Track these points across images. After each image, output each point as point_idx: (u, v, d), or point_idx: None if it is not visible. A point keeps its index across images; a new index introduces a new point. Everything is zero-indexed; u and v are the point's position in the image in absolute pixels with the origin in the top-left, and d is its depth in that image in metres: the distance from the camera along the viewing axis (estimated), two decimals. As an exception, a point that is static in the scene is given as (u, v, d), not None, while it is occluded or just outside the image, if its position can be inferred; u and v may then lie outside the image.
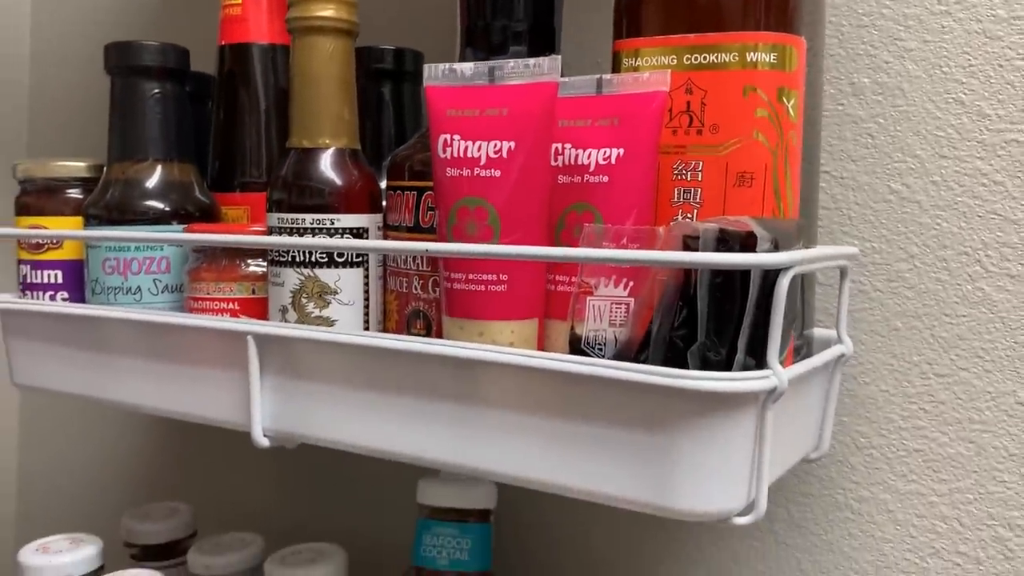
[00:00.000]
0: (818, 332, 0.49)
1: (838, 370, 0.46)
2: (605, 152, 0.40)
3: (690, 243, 0.36)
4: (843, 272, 0.45)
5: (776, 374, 0.36)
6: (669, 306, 0.37)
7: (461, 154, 0.40)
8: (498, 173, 0.39)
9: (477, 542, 0.57)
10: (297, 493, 0.77)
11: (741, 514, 0.37)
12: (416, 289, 0.46)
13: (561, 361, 0.37)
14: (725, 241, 0.35)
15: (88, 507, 0.91)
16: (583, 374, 0.37)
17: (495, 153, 0.39)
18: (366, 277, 0.47)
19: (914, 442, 0.50)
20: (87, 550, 0.60)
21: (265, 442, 0.47)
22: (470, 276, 0.40)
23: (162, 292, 0.54)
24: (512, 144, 0.39)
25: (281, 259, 0.46)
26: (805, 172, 0.44)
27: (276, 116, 0.57)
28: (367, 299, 0.47)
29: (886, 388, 0.51)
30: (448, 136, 0.40)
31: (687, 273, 0.37)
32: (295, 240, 0.44)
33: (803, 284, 0.44)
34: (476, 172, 0.40)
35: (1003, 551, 0.48)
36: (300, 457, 0.75)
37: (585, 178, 0.41)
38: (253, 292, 0.50)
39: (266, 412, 0.47)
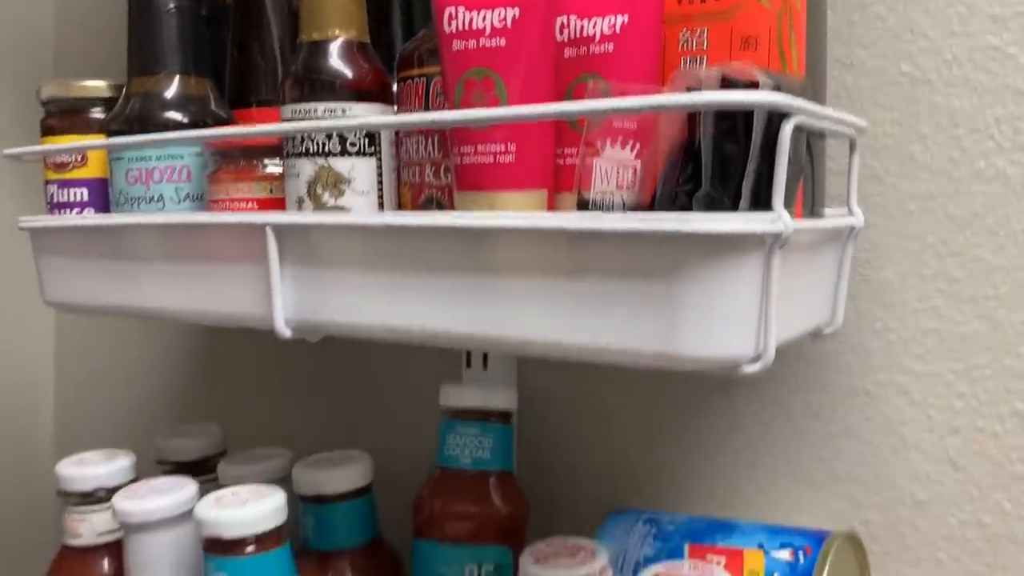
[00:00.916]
0: (829, 212, 0.49)
1: (850, 242, 0.46)
2: (610, 20, 0.41)
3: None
4: (852, 144, 0.45)
5: (782, 218, 0.35)
6: (674, 163, 0.37)
7: (466, 26, 0.40)
8: (503, 42, 0.40)
9: (499, 442, 0.58)
10: (325, 411, 0.78)
11: (750, 363, 0.37)
12: (429, 177, 0.47)
13: (563, 220, 0.38)
14: (729, 85, 0.35)
15: (122, 427, 0.94)
16: (585, 229, 0.37)
17: (499, 22, 0.40)
18: (379, 166, 0.47)
19: (930, 323, 0.50)
20: (121, 462, 0.62)
21: (288, 332, 0.48)
22: (479, 148, 0.41)
23: (184, 200, 0.55)
24: (516, 11, 0.40)
25: (295, 151, 0.47)
26: (813, 55, 0.44)
27: (290, 37, 0.58)
28: (381, 188, 0.48)
29: (901, 271, 0.51)
30: (453, 8, 0.41)
31: (691, 129, 0.37)
32: (306, 124, 0.45)
33: (811, 152, 0.44)
34: (481, 43, 0.40)
35: (1020, 424, 0.48)
36: (326, 374, 0.77)
37: (591, 49, 0.41)
38: (271, 192, 0.51)
39: (287, 303, 0.48)
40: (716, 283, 0.35)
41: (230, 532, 0.51)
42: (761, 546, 0.49)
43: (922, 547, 0.50)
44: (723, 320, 0.36)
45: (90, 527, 0.61)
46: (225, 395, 0.86)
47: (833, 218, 0.44)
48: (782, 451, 0.55)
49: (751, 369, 0.37)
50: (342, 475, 0.59)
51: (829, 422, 0.53)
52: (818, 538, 0.48)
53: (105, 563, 0.60)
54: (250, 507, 0.51)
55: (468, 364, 0.65)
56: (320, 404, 0.79)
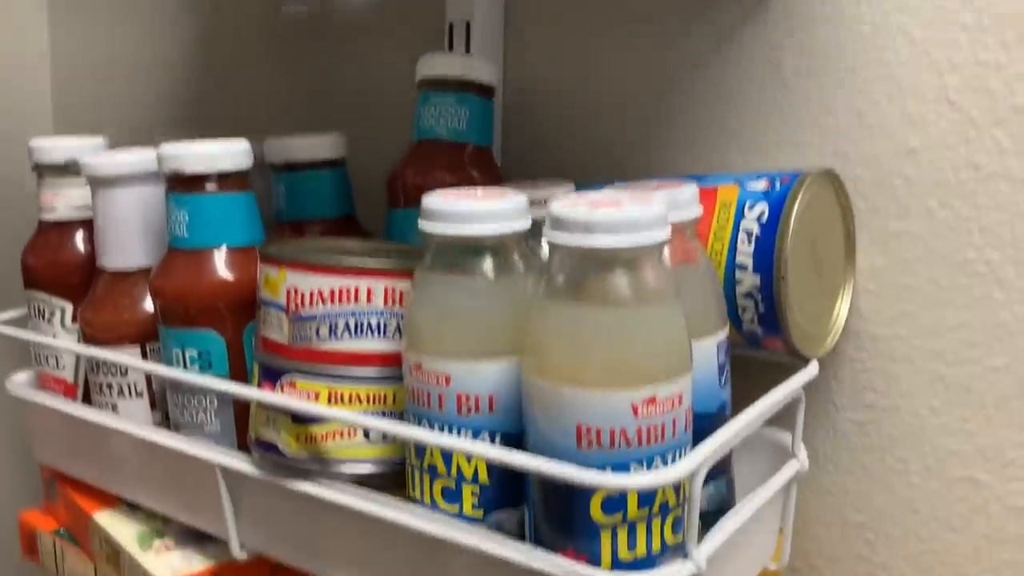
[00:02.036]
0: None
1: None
2: None
3: None
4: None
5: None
6: None
7: None
8: None
9: (476, 115, 0.56)
10: (304, 99, 0.76)
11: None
12: None
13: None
14: None
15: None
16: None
17: None
18: None
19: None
20: (97, 140, 0.61)
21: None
22: None
23: None
24: None
25: None
26: None
27: None
28: None
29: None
30: None
31: None
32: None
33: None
34: None
35: (1027, 58, 0.45)
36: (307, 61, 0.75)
37: None
38: None
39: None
40: None
41: (191, 166, 0.49)
42: (737, 181, 0.46)
43: (911, 197, 0.48)
44: None
45: (65, 201, 0.60)
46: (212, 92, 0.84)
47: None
48: (771, 106, 0.52)
49: None
50: (313, 143, 0.58)
51: (820, 74, 0.50)
52: (798, 172, 0.46)
53: (79, 236, 0.60)
54: (212, 144, 0.50)
55: (450, 46, 0.62)
56: (300, 91, 0.77)
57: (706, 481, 0.42)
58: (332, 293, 0.43)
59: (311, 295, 0.43)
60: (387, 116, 0.68)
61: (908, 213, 0.48)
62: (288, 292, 0.44)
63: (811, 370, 0.45)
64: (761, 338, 0.45)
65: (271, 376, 0.45)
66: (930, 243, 0.48)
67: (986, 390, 0.47)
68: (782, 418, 0.49)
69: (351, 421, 0.42)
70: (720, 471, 0.43)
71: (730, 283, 0.45)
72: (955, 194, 0.47)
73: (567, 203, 0.36)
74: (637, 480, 0.33)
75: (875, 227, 0.49)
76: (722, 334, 0.42)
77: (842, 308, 0.49)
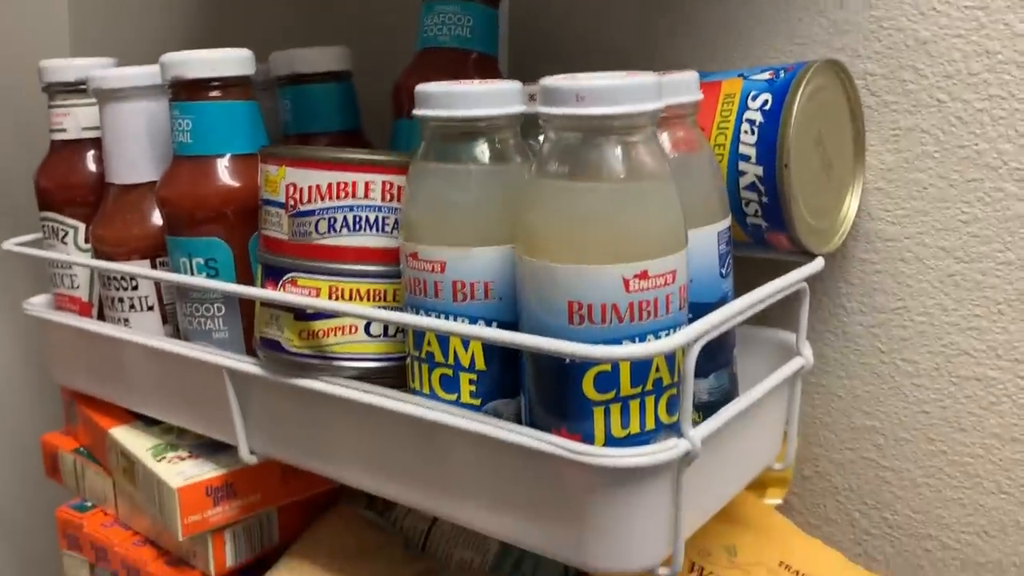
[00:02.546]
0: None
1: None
2: None
3: None
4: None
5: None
6: None
7: None
8: None
9: (480, 21, 0.55)
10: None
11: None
12: None
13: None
14: None
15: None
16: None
17: None
18: None
19: None
20: (106, 60, 0.61)
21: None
22: None
23: None
24: None
25: None
26: None
27: None
28: None
29: None
30: None
31: None
32: None
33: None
34: None
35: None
36: None
37: None
38: None
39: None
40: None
41: (193, 72, 0.49)
42: (741, 74, 0.45)
43: (921, 91, 0.46)
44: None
45: (74, 120, 0.61)
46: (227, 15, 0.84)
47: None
48: (780, 2, 0.51)
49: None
50: (319, 55, 0.58)
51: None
52: (803, 63, 0.45)
53: (90, 156, 0.60)
54: (213, 51, 0.50)
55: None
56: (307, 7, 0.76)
57: (708, 373, 0.42)
58: (330, 188, 0.43)
59: (309, 190, 0.43)
60: (394, 30, 0.67)
61: (918, 107, 0.47)
62: (287, 189, 0.44)
63: (816, 264, 0.44)
64: (765, 232, 0.44)
65: (273, 275, 0.45)
66: (941, 138, 0.46)
67: (998, 286, 0.46)
68: (788, 319, 0.49)
69: (349, 312, 0.42)
70: (722, 364, 0.43)
71: (733, 176, 0.44)
72: (966, 85, 0.45)
73: (559, 76, 0.35)
74: (627, 350, 0.33)
75: (884, 123, 0.48)
76: (723, 224, 0.42)
77: (851, 206, 0.48)
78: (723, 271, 0.42)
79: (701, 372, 0.40)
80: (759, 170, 0.43)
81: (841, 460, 0.52)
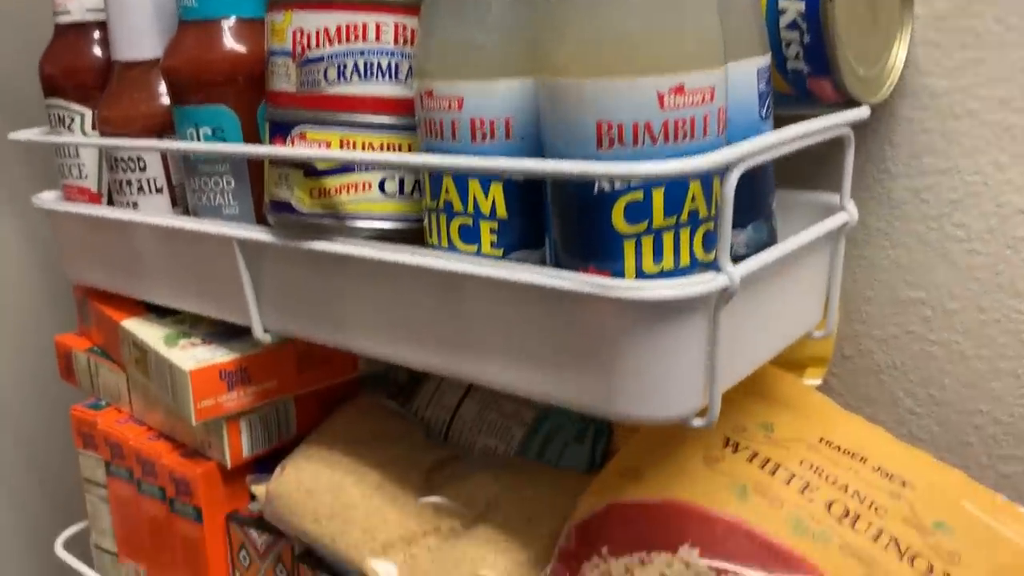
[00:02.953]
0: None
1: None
2: None
3: None
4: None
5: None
6: None
7: None
8: None
9: None
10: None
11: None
12: None
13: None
14: None
15: None
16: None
17: None
18: None
19: None
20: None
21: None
22: None
23: None
24: None
25: None
26: None
27: None
28: None
29: None
30: None
31: None
32: None
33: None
34: None
35: None
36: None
37: None
38: None
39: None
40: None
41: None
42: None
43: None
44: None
45: (79, 2, 0.58)
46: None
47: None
48: None
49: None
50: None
51: None
52: None
53: (95, 38, 0.58)
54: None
55: None
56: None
57: (745, 224, 0.39)
58: (339, 31, 0.40)
59: (317, 34, 0.40)
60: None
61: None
62: (294, 35, 0.41)
63: (862, 111, 0.41)
64: (807, 78, 0.41)
65: (282, 131, 0.42)
66: (998, -22, 0.43)
67: (1059, 137, 0.43)
68: (829, 179, 0.46)
69: (360, 159, 0.40)
70: (760, 215, 0.40)
71: (773, 15, 0.41)
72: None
73: None
74: (661, 165, 0.30)
75: (935, -32, 0.44)
76: (763, 60, 0.38)
77: (898, 55, 0.44)
78: (763, 113, 0.39)
79: (738, 222, 0.37)
80: (800, 6, 0.40)
81: (884, 336, 0.49)
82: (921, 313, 0.48)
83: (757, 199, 0.39)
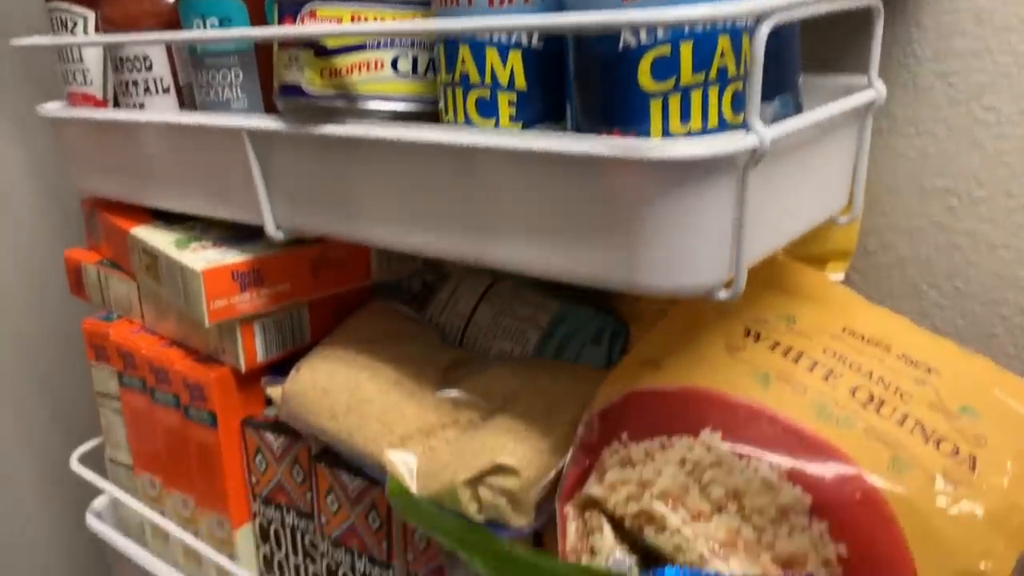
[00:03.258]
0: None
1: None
2: None
3: None
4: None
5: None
6: None
7: None
8: None
9: None
10: None
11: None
12: None
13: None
14: None
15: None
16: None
17: None
18: None
19: None
20: None
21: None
22: None
23: None
24: None
25: None
26: None
27: None
28: None
29: None
30: None
31: None
32: None
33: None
34: None
35: None
36: None
37: None
38: None
39: None
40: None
41: None
42: None
43: None
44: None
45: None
46: None
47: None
48: None
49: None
50: None
51: None
52: None
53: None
54: None
55: None
56: None
57: (772, 96, 0.38)
58: (350, -101, 0.39)
59: (327, -97, 0.39)
60: None
61: None
62: (302, -95, 0.40)
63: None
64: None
65: (291, 10, 0.41)
66: None
67: (1095, 10, 0.41)
68: (854, 66, 0.45)
69: (371, 30, 0.38)
70: (787, 88, 0.39)
71: None
72: None
73: None
74: (690, 11, 0.29)
75: None
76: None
77: (928, -71, 0.43)
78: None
79: (765, 94, 0.36)
80: None
81: (908, 228, 0.48)
82: (947, 202, 0.47)
83: (784, 71, 0.38)
